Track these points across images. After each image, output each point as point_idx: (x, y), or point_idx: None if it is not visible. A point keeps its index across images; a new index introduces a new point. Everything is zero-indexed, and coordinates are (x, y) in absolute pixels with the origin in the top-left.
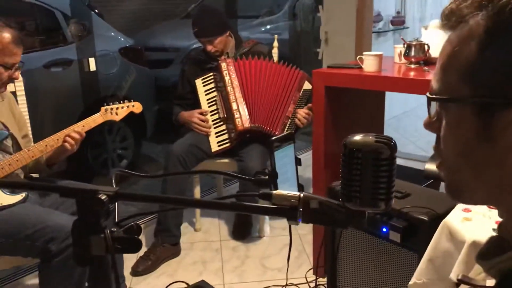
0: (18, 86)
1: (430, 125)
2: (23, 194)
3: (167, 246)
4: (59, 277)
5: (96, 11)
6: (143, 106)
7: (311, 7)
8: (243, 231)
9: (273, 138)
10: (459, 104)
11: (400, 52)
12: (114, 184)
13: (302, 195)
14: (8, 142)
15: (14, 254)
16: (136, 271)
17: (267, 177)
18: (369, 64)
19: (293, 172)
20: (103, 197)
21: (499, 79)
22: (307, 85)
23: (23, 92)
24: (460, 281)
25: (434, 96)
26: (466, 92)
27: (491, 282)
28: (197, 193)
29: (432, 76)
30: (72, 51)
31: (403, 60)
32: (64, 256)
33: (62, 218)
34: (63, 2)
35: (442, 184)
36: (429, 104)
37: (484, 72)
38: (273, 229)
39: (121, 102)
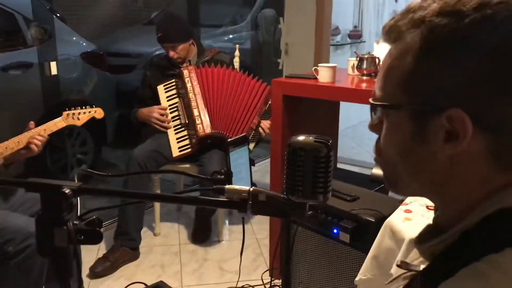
0: None
1: (373, 127)
2: None
3: (126, 250)
4: (17, 277)
5: (58, 15)
6: (104, 111)
7: (273, 19)
8: (202, 235)
9: (229, 140)
10: (397, 110)
11: (353, 64)
12: (76, 181)
13: (251, 189)
14: None
15: None
16: (95, 272)
17: (223, 176)
18: (324, 75)
19: (247, 172)
20: (67, 191)
21: (431, 89)
22: None
23: None
24: (398, 266)
25: (376, 103)
26: (403, 99)
27: (425, 266)
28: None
29: (375, 84)
30: (32, 54)
31: (356, 72)
32: (21, 257)
33: (20, 219)
34: (24, 5)
35: None
36: (372, 109)
37: (419, 82)
38: (232, 233)
39: (83, 107)
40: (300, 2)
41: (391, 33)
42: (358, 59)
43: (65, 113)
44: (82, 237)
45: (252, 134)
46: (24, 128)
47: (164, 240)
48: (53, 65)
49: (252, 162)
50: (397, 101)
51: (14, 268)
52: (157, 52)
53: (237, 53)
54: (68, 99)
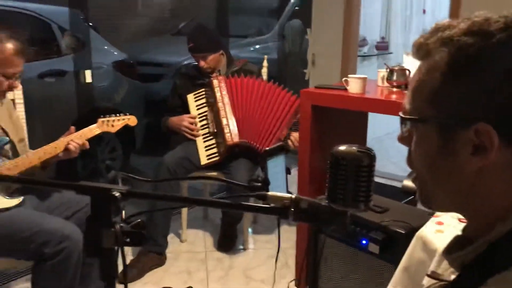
0: (18, 94)
1: (402, 140)
2: (20, 199)
3: (153, 255)
4: (52, 279)
5: (91, 24)
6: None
7: (300, 29)
8: (228, 243)
9: (267, 149)
10: (425, 123)
11: (383, 76)
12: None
13: (293, 196)
14: (8, 147)
15: (9, 256)
16: (120, 279)
17: (260, 184)
18: (354, 86)
19: (283, 180)
20: (117, 194)
21: (458, 104)
22: None
23: (22, 100)
24: (429, 276)
25: (405, 116)
26: (431, 113)
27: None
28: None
29: (404, 98)
30: (66, 62)
31: (386, 84)
32: (57, 259)
33: (56, 222)
34: (59, 15)
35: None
36: (402, 122)
37: (446, 97)
38: (256, 241)
39: (117, 114)
40: (328, 13)
41: (420, 50)
42: (388, 70)
43: (100, 120)
44: (128, 239)
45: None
46: (57, 132)
47: (190, 247)
48: (88, 73)
49: (288, 171)
50: (425, 115)
51: (50, 270)
52: (185, 62)
53: (265, 63)
54: (99, 106)
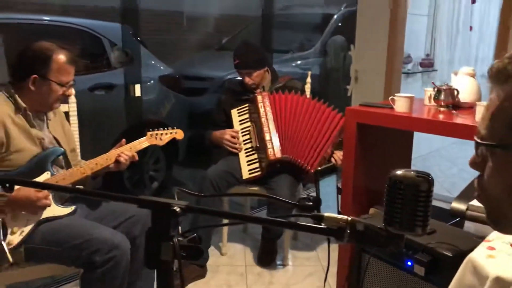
0: (72, 106)
1: (475, 164)
2: (72, 207)
3: (194, 267)
4: (100, 287)
5: (139, 39)
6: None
7: (342, 45)
8: (268, 258)
9: (319, 168)
10: (505, 150)
11: (430, 95)
12: (176, 199)
13: (349, 218)
14: (61, 157)
15: (60, 262)
16: None
17: (311, 203)
18: (400, 105)
19: (334, 200)
20: (177, 209)
21: None
22: None
23: (75, 112)
24: None
25: (483, 142)
26: None
27: None
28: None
29: (479, 122)
30: (115, 76)
31: (433, 103)
32: (106, 267)
33: (106, 231)
34: (111, 30)
35: (466, 223)
36: (477, 147)
37: None
38: (296, 258)
39: (165, 128)
40: (372, 29)
41: (499, 75)
42: (435, 90)
43: (149, 133)
44: (185, 253)
45: (324, 163)
46: (105, 143)
47: (230, 260)
48: (137, 87)
49: (339, 191)
50: (505, 141)
51: (99, 278)
52: (228, 77)
53: (308, 79)
54: (146, 119)
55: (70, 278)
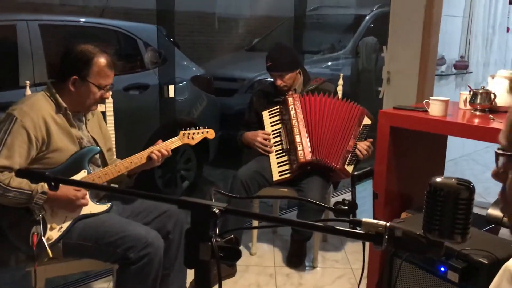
0: (108, 107)
1: (497, 175)
2: (108, 205)
3: (224, 266)
4: (135, 283)
5: (172, 40)
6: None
7: (374, 47)
8: (297, 259)
9: (356, 173)
10: None
11: (466, 98)
12: (213, 200)
13: (388, 224)
14: (97, 156)
15: (96, 258)
16: (194, 286)
17: (346, 207)
18: (435, 109)
19: (370, 205)
20: (216, 210)
21: None
22: (366, 120)
23: (112, 113)
24: None
25: (502, 152)
26: None
27: None
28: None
29: (500, 133)
30: (149, 76)
31: (468, 107)
32: (140, 264)
33: (141, 228)
34: (145, 31)
35: (502, 229)
36: (497, 158)
37: None
38: (326, 260)
39: (197, 128)
40: (405, 30)
41: None
42: (471, 93)
43: (181, 132)
44: (223, 254)
45: (349, 157)
46: (139, 142)
47: (259, 261)
48: (171, 88)
49: (375, 196)
50: None
51: (133, 274)
52: (258, 78)
53: (340, 81)
54: (178, 119)
55: (102, 274)
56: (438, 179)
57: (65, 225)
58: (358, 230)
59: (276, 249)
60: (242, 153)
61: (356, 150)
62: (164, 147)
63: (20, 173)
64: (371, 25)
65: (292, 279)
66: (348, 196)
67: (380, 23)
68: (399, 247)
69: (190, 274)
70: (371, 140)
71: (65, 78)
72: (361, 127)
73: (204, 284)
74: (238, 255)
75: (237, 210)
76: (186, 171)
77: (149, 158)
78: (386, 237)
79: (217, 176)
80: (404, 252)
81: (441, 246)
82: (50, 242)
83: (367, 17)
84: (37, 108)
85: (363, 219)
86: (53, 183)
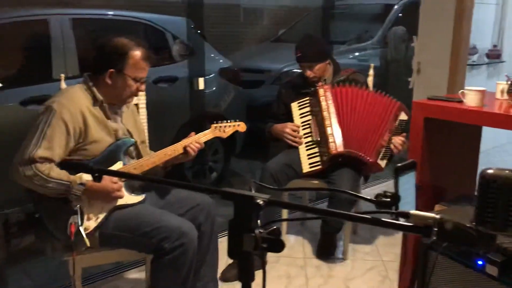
0: (141, 99)
1: None
2: (143, 196)
3: (255, 257)
4: (169, 273)
5: (199, 32)
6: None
7: (403, 36)
8: (327, 251)
9: (398, 165)
10: None
11: (503, 88)
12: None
13: (438, 216)
14: (132, 148)
15: (131, 248)
16: (225, 277)
17: (389, 199)
18: (471, 99)
19: (412, 197)
20: (261, 202)
21: None
22: (403, 116)
23: (145, 105)
24: None
25: None
26: None
27: None
28: (284, 211)
29: None
30: (177, 69)
31: (506, 97)
32: (175, 254)
33: (175, 219)
34: (174, 24)
35: None
36: None
37: None
38: (356, 252)
39: (228, 120)
40: (436, 19)
41: None
42: (509, 83)
43: (213, 125)
44: (266, 245)
45: (383, 151)
46: (168, 136)
47: (289, 252)
48: (201, 80)
49: (418, 188)
50: None
51: (168, 264)
52: (285, 69)
53: (371, 72)
54: (206, 112)
55: (135, 264)
56: (490, 171)
57: (102, 216)
58: (405, 222)
59: (305, 241)
60: (269, 145)
61: (391, 144)
62: (196, 139)
63: (65, 165)
64: (400, 14)
65: (322, 271)
66: (378, 189)
67: (410, 12)
68: (448, 240)
69: (221, 267)
70: (405, 134)
71: (102, 71)
72: (397, 122)
73: (247, 275)
74: (281, 246)
75: (281, 201)
76: (214, 163)
77: (185, 151)
78: (436, 229)
79: (243, 168)
80: (454, 245)
81: (494, 239)
82: (87, 232)
83: (396, 7)
84: (75, 100)
85: (411, 211)
86: (96, 174)
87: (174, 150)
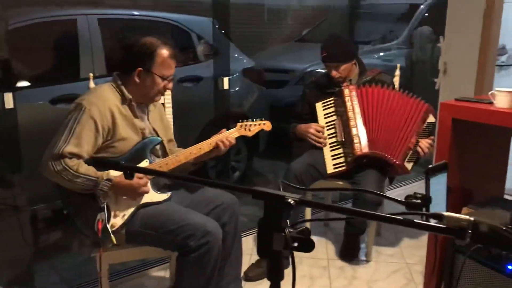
0: (167, 98)
1: None
2: (168, 194)
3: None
4: (194, 270)
5: (224, 32)
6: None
7: (429, 36)
8: (350, 253)
9: (430, 166)
10: None
11: None
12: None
13: (472, 218)
14: (158, 147)
15: (157, 246)
16: (248, 276)
17: (419, 201)
18: (501, 100)
19: (443, 199)
20: (292, 201)
21: None
22: (431, 118)
23: (170, 104)
24: None
25: None
26: None
27: None
28: (308, 211)
29: None
30: (202, 69)
31: None
32: (200, 252)
33: (200, 217)
34: (199, 24)
35: None
36: None
37: None
38: (379, 254)
39: (253, 119)
40: (464, 19)
41: None
42: None
43: (238, 124)
44: (296, 244)
45: (410, 153)
46: (193, 134)
47: (313, 253)
48: (226, 80)
49: (449, 189)
50: None
51: (193, 262)
52: (309, 69)
53: (397, 72)
54: (230, 111)
55: (159, 262)
56: None
57: (128, 213)
58: (438, 224)
59: (328, 242)
60: (291, 145)
61: (418, 147)
62: (228, 136)
63: (97, 162)
64: (426, 14)
65: (345, 272)
66: (401, 191)
67: (436, 12)
68: (483, 243)
69: (244, 266)
70: (432, 137)
71: (130, 70)
72: (424, 125)
73: (277, 274)
74: (311, 246)
75: (312, 201)
76: (236, 162)
77: (216, 146)
78: (470, 231)
79: (266, 168)
80: (488, 248)
81: None
82: (114, 229)
83: (422, 6)
84: (104, 99)
85: (445, 213)
86: (128, 172)
87: (199, 148)
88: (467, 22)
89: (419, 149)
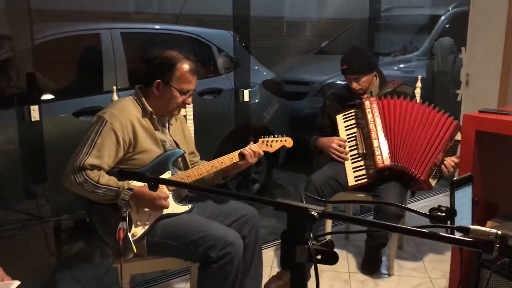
0: (189, 111)
1: None
2: (189, 206)
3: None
4: (216, 281)
5: (243, 44)
6: (279, 135)
7: (451, 48)
8: (372, 266)
9: (455, 179)
10: None
11: None
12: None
13: (499, 232)
14: (180, 159)
15: (178, 256)
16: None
17: (443, 214)
18: None
19: (468, 212)
20: (315, 213)
21: None
22: (459, 136)
23: (192, 116)
24: None
25: None
26: None
27: None
28: (328, 223)
29: None
30: (222, 81)
31: None
32: (221, 263)
33: (221, 228)
34: (219, 37)
35: None
36: None
37: None
38: (401, 268)
39: (275, 136)
40: (486, 29)
41: None
42: None
43: (260, 140)
44: (320, 256)
45: (435, 170)
46: (213, 146)
47: (333, 266)
48: (246, 92)
49: (474, 202)
50: None
51: (214, 272)
52: (328, 81)
53: (418, 83)
54: (250, 124)
55: (180, 273)
56: None
57: (149, 223)
58: (465, 237)
59: (349, 254)
60: (311, 158)
61: (442, 165)
62: (253, 149)
63: (122, 174)
64: (447, 25)
65: (367, 286)
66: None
67: (457, 23)
68: (511, 256)
69: (264, 278)
70: (458, 155)
71: (150, 82)
72: (452, 142)
73: (300, 286)
74: (335, 259)
75: (335, 213)
76: (256, 174)
77: (242, 157)
78: (497, 245)
79: (285, 180)
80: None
81: None
82: (135, 238)
83: (443, 17)
84: (126, 112)
85: (471, 226)
86: (153, 183)
87: (221, 162)
88: (490, 33)
89: (443, 167)
